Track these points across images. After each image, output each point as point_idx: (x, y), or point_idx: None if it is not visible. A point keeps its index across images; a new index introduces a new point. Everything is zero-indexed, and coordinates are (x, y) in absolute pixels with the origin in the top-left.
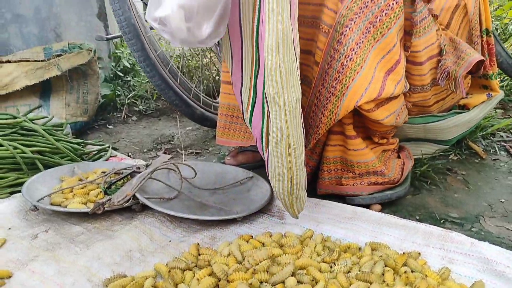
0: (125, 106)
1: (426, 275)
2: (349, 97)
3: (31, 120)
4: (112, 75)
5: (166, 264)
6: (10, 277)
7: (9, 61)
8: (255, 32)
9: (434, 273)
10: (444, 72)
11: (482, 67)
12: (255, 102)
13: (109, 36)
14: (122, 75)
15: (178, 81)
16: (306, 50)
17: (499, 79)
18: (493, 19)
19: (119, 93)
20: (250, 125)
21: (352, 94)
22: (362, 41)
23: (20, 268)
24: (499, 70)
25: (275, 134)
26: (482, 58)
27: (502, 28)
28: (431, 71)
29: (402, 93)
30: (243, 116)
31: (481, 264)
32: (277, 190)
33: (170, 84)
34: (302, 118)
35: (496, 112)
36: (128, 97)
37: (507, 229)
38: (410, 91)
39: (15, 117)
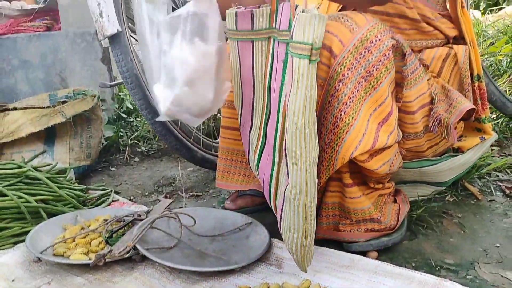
0: (127, 148)
1: None
2: (344, 149)
3: (36, 168)
4: (115, 117)
5: None
6: None
7: (15, 108)
8: (267, 79)
9: None
10: (436, 120)
11: (474, 114)
12: (264, 147)
13: (112, 83)
14: (125, 116)
15: (179, 125)
16: None
17: (494, 116)
18: (487, 56)
19: (122, 134)
20: (257, 169)
21: (347, 146)
22: (355, 95)
23: None
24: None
25: (293, 191)
26: (473, 106)
27: (496, 64)
28: (424, 119)
29: (395, 142)
30: (248, 159)
31: None
32: (289, 245)
33: (171, 130)
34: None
35: (492, 150)
36: (130, 138)
37: (502, 276)
38: (404, 138)
39: (20, 166)
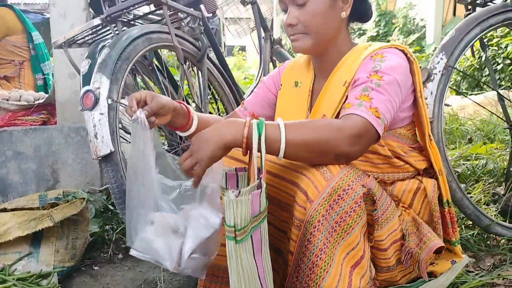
0: (111, 245)
1: None
2: None
3: (20, 279)
4: (102, 209)
5: None
6: None
7: (5, 209)
8: None
9: None
10: (408, 254)
11: (443, 250)
12: None
13: (101, 188)
14: (112, 208)
15: None
16: (282, 229)
17: (470, 224)
18: (462, 160)
19: (107, 227)
20: None
21: None
22: (329, 240)
23: None
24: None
25: None
26: (442, 244)
27: (473, 167)
28: (396, 253)
29: (367, 284)
30: None
31: None
32: None
33: None
34: None
35: (468, 265)
36: (116, 231)
37: None
38: (377, 272)
39: (4, 280)
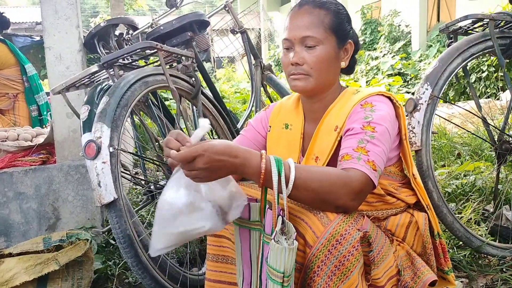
0: (114, 280)
1: None
2: None
3: None
4: (104, 244)
5: None
6: None
7: (11, 254)
8: (259, 267)
9: None
10: None
11: (436, 283)
12: None
13: (104, 230)
14: (113, 242)
15: (166, 274)
16: None
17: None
18: (451, 179)
19: (110, 263)
20: None
21: None
22: (329, 285)
23: None
24: None
25: None
26: (435, 278)
27: (462, 185)
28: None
29: None
30: None
31: None
32: None
33: (159, 281)
34: None
35: (462, 281)
36: (118, 266)
37: None
38: None
39: None
